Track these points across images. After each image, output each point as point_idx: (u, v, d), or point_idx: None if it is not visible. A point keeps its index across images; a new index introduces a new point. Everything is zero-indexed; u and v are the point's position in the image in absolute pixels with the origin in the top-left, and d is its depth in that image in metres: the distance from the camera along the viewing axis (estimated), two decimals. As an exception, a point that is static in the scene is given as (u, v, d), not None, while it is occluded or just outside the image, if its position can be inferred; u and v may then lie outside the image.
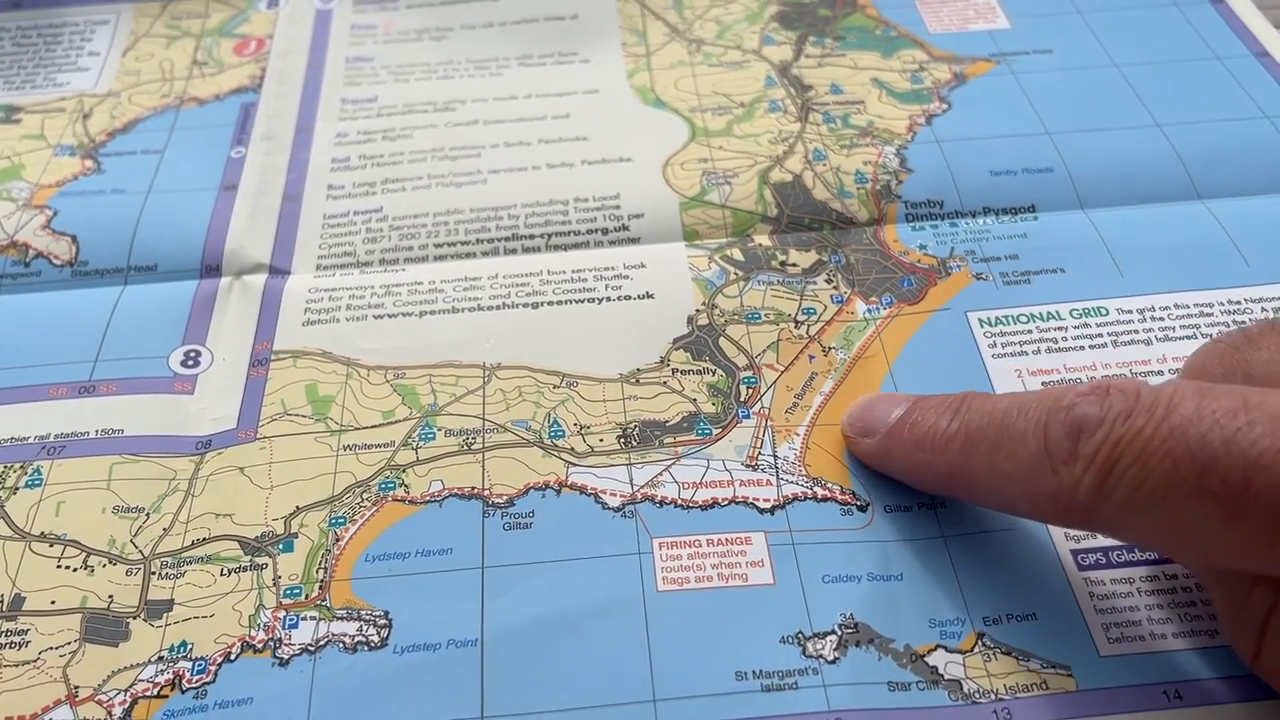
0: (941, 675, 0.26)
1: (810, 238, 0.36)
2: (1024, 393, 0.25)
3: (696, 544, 0.28)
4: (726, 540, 0.28)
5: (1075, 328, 0.33)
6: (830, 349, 0.33)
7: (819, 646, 0.26)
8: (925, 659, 0.26)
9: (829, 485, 0.30)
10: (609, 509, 0.29)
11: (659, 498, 0.29)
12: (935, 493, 0.29)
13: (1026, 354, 0.32)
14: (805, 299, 0.34)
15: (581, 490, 0.29)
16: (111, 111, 0.42)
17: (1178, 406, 0.21)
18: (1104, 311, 0.33)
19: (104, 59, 0.45)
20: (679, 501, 0.29)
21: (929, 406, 0.27)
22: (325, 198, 0.39)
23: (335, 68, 0.44)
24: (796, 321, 0.34)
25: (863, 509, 0.29)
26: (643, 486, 0.29)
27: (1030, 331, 0.33)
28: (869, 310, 0.34)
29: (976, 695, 0.25)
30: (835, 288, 0.35)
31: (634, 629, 0.26)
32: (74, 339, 0.34)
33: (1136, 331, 0.33)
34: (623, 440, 0.30)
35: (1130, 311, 0.33)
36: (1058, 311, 0.34)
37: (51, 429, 0.31)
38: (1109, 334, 0.33)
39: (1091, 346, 0.33)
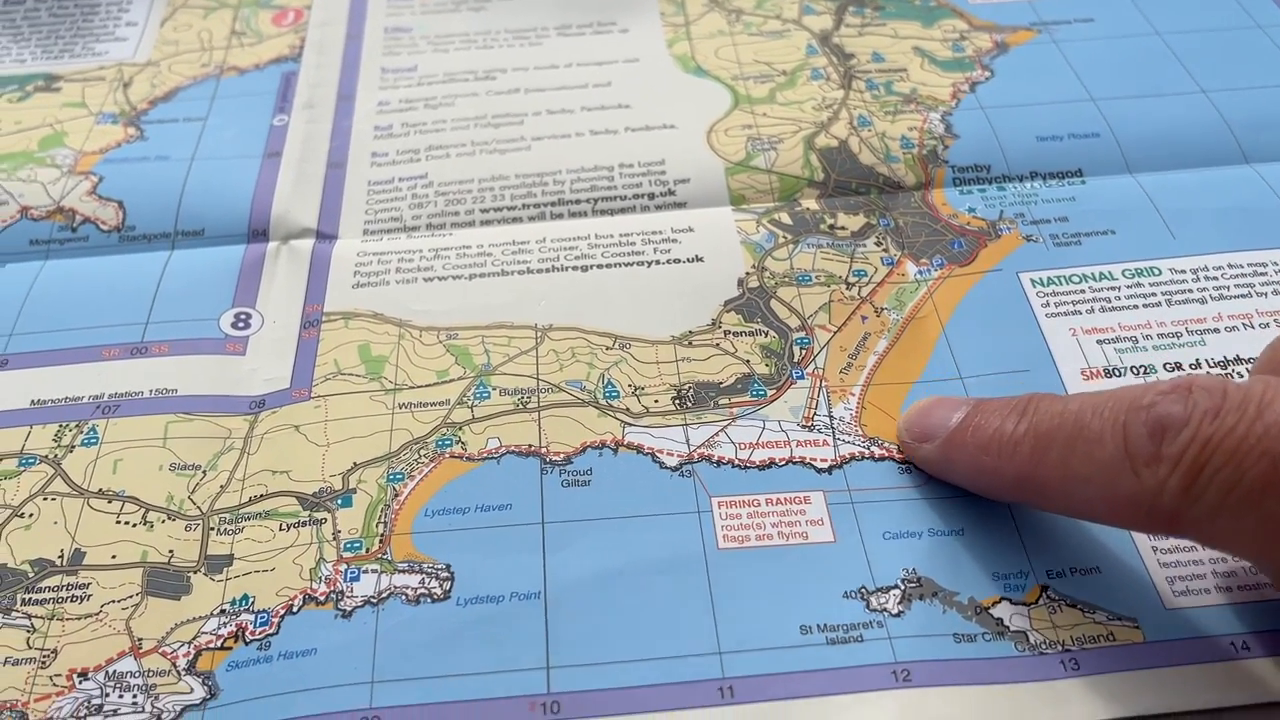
0: (1007, 627, 0.25)
1: (858, 201, 0.36)
2: (1097, 392, 0.24)
3: (755, 503, 0.28)
4: (785, 499, 0.28)
5: (1128, 287, 0.33)
6: (882, 310, 0.33)
7: (883, 600, 0.26)
8: (990, 611, 0.26)
9: (886, 445, 0.29)
10: (666, 468, 0.29)
11: (716, 458, 0.29)
12: (1003, 499, 0.27)
13: (1080, 313, 0.32)
14: (855, 261, 0.34)
15: (638, 450, 0.29)
16: (152, 80, 0.42)
17: (1271, 403, 0.21)
18: (1157, 271, 0.33)
19: (142, 29, 0.45)
20: (736, 461, 0.29)
21: (992, 409, 0.26)
22: (369, 164, 0.38)
23: (374, 37, 0.44)
24: (848, 283, 0.33)
25: (921, 466, 0.29)
26: (699, 447, 0.29)
27: (1083, 291, 0.33)
28: (920, 272, 0.34)
29: (1043, 646, 0.25)
30: (885, 250, 0.35)
31: (697, 585, 0.26)
32: (124, 302, 0.34)
33: (1190, 291, 0.33)
34: (678, 401, 0.30)
35: (1184, 271, 0.33)
36: (1110, 272, 0.33)
37: (105, 389, 0.31)
38: (1163, 293, 0.33)
39: (1145, 305, 0.32)
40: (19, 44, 0.45)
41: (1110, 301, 0.33)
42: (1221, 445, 0.21)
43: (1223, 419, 0.21)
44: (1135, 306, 0.32)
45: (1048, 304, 0.33)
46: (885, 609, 0.26)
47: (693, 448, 0.29)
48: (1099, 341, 0.32)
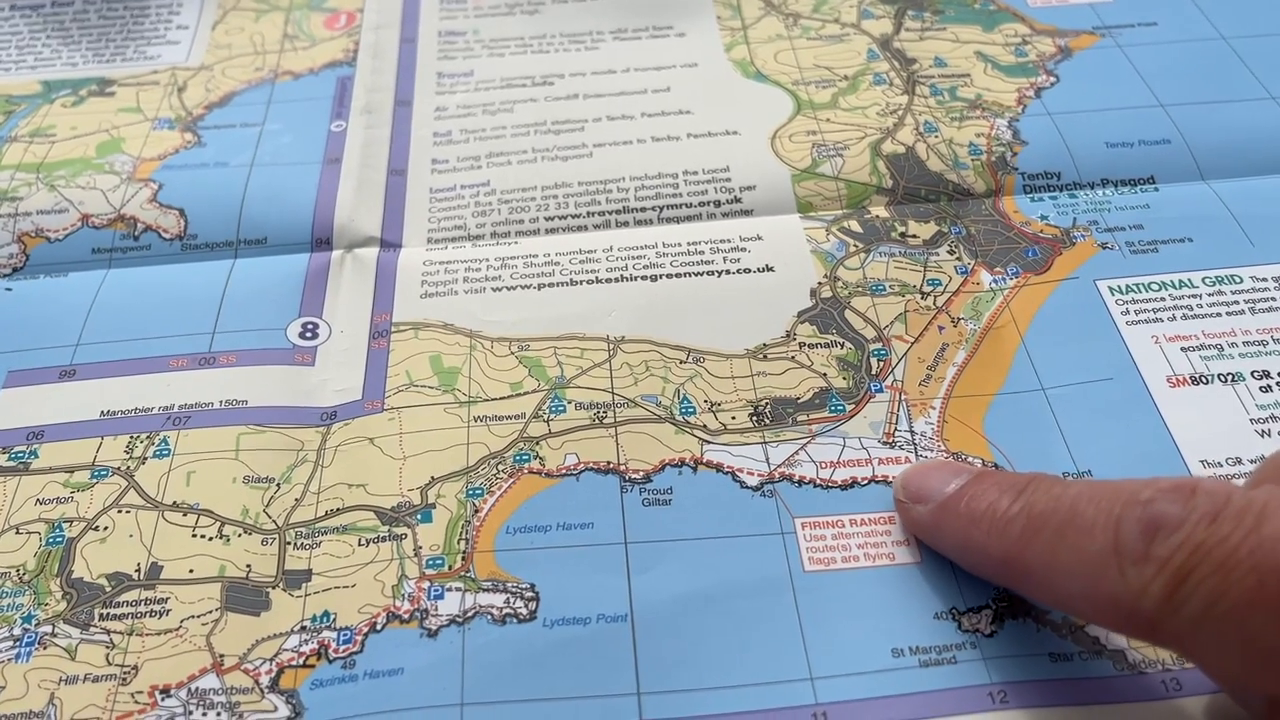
0: (1104, 645, 0.25)
1: (928, 209, 0.36)
2: (1100, 481, 0.23)
3: (839, 524, 0.28)
4: (870, 520, 0.28)
5: (1209, 295, 0.32)
6: (959, 319, 0.32)
7: (975, 621, 0.26)
8: (1085, 629, 0.25)
9: (970, 459, 0.29)
10: (747, 488, 0.28)
11: (797, 477, 0.29)
12: (987, 578, 0.26)
13: (1161, 320, 0.32)
14: (929, 270, 0.34)
15: (718, 468, 0.29)
16: (206, 85, 0.42)
17: (1271, 516, 0.19)
18: (1238, 279, 0.33)
19: (193, 32, 0.45)
20: (818, 481, 0.28)
21: (991, 481, 0.25)
22: (430, 171, 0.38)
23: (428, 41, 0.44)
24: (922, 293, 0.33)
25: (1006, 482, 0.28)
26: (779, 465, 0.29)
27: (1163, 299, 0.32)
28: (995, 280, 0.33)
29: (1143, 665, 0.25)
30: (958, 258, 0.34)
31: (784, 609, 0.26)
32: (190, 311, 0.33)
33: (1274, 299, 0.32)
34: (755, 418, 0.30)
35: (1265, 280, 0.33)
36: (1190, 279, 0.33)
37: (175, 400, 0.31)
38: (1245, 301, 0.32)
39: (1229, 313, 0.32)
40: (69, 47, 0.45)
41: (1192, 309, 0.32)
42: (1211, 554, 0.19)
43: (1218, 525, 0.20)
44: (1218, 314, 0.32)
45: (1128, 311, 0.32)
46: (978, 629, 0.25)
47: (773, 466, 0.29)
48: (1183, 349, 0.31)
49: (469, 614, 0.26)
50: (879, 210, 0.36)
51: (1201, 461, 0.29)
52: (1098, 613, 0.22)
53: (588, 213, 0.36)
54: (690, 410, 0.30)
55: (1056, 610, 0.25)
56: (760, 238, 0.35)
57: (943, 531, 0.26)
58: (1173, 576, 0.20)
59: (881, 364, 0.31)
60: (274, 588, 0.27)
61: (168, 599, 0.27)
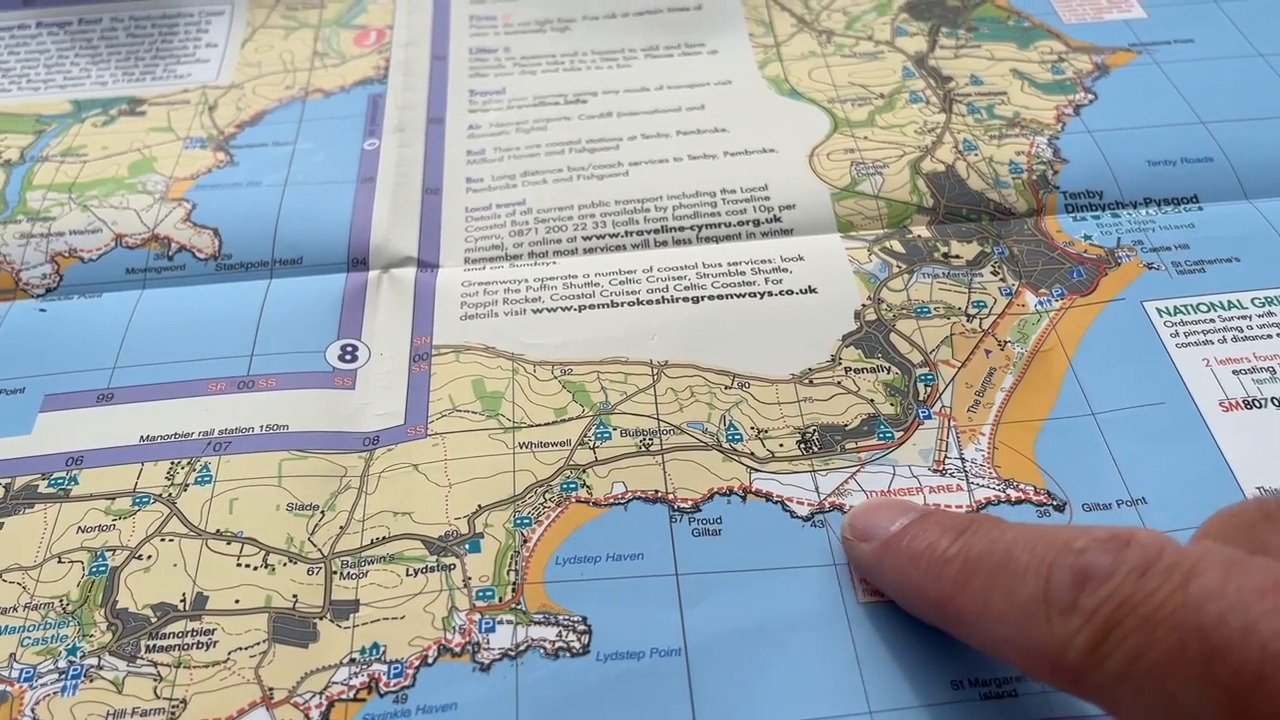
0: (1169, 684, 0.25)
1: (970, 229, 0.35)
2: (1041, 526, 0.23)
3: (893, 553, 0.27)
4: (922, 547, 0.27)
5: (1259, 316, 0.32)
6: (1006, 342, 0.32)
7: (1034, 653, 0.25)
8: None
9: (1022, 486, 0.29)
10: (798, 518, 0.28)
11: (848, 507, 0.28)
12: (925, 620, 0.25)
13: (1212, 343, 0.31)
14: (973, 291, 0.33)
15: (767, 498, 0.28)
16: (237, 103, 0.42)
17: (1200, 574, 0.19)
18: (1288, 302, 0.32)
19: (223, 50, 0.45)
20: (869, 510, 0.28)
21: (934, 521, 0.24)
22: (465, 190, 0.38)
23: (459, 59, 0.43)
24: (968, 315, 0.33)
25: (1060, 508, 0.28)
26: (830, 495, 0.28)
27: (1213, 320, 0.32)
28: (1040, 302, 0.33)
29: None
30: (1002, 279, 0.34)
31: (839, 642, 0.26)
32: (227, 333, 0.33)
33: (1328, 324, 0.32)
34: (803, 445, 0.30)
35: (1316, 304, 0.32)
36: (1239, 300, 0.32)
37: (215, 425, 0.31)
38: (1296, 325, 0.32)
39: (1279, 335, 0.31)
40: (98, 65, 0.44)
41: (1242, 330, 0.32)
42: (1137, 609, 0.19)
43: (1146, 580, 0.19)
44: (1269, 336, 0.31)
45: (1177, 334, 0.32)
46: (1038, 662, 0.25)
47: (823, 496, 0.28)
48: (1234, 372, 0.31)
49: (521, 648, 0.25)
50: (920, 230, 0.35)
51: (1258, 487, 0.28)
52: (1024, 660, 0.21)
53: (625, 232, 0.36)
54: (737, 437, 0.30)
55: (989, 657, 0.25)
56: (801, 258, 0.35)
57: (883, 570, 0.25)
58: (1098, 630, 0.19)
59: (929, 389, 0.31)
60: (321, 619, 0.26)
61: (214, 630, 0.26)
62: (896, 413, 0.30)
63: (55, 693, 0.25)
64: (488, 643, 0.26)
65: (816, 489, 0.29)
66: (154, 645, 0.26)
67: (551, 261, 0.35)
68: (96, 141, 0.40)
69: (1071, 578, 0.20)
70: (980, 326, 0.32)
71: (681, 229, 0.36)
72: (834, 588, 0.27)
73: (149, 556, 0.28)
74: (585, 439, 0.30)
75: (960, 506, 0.28)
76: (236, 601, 0.27)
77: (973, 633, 0.23)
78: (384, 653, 0.26)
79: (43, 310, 0.35)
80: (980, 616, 0.22)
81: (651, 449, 0.29)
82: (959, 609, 0.22)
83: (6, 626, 0.27)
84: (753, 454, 0.29)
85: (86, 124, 0.41)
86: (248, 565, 0.28)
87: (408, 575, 0.27)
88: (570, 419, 0.30)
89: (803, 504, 0.28)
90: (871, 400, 0.31)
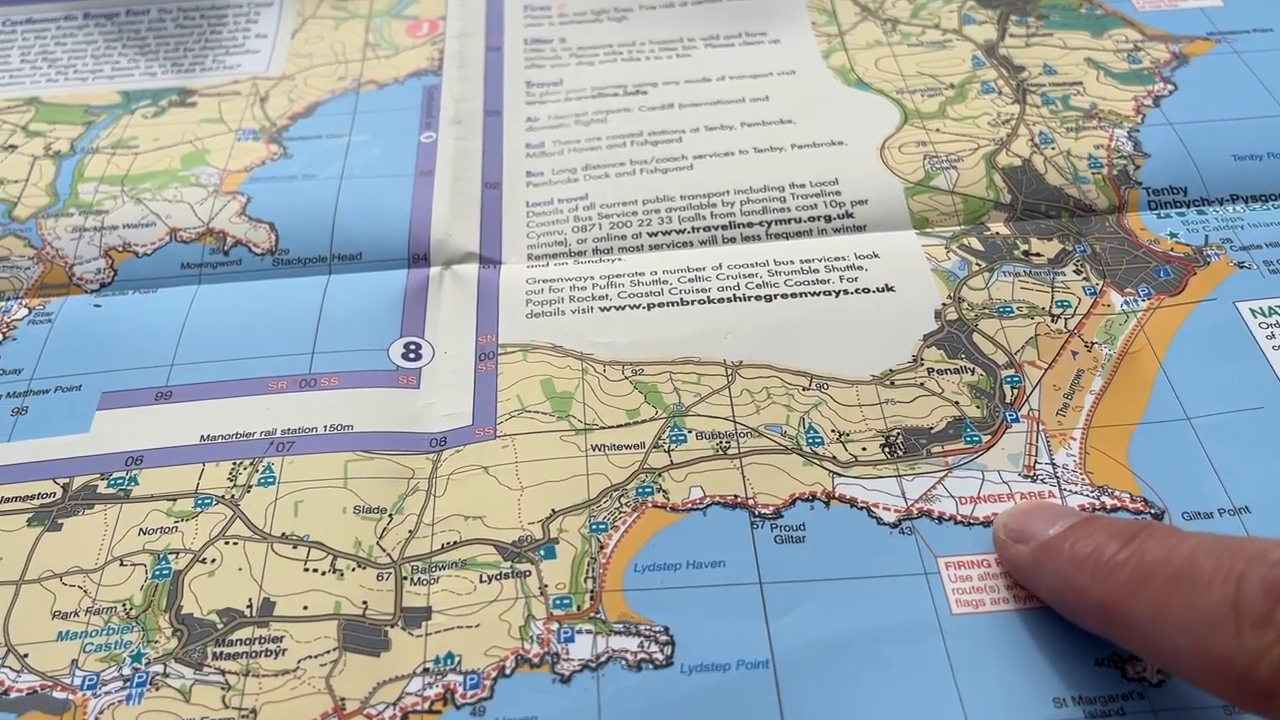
0: (1285, 704, 0.23)
1: (1050, 226, 0.34)
2: (1222, 535, 0.21)
3: (987, 564, 0.26)
4: (1016, 557, 0.26)
5: (1362, 321, 0.31)
6: (1093, 344, 0.31)
7: (1139, 668, 0.24)
8: (1262, 686, 0.24)
9: (1117, 493, 0.27)
10: (884, 524, 0.27)
11: (936, 513, 0.27)
12: (1081, 623, 0.24)
13: (1312, 348, 0.30)
14: (1057, 291, 0.32)
15: (852, 503, 0.27)
16: (289, 94, 0.41)
17: None
18: (1389, 304, 0.31)
19: (273, 41, 0.44)
20: (958, 518, 0.27)
21: (1099, 526, 0.24)
22: (525, 184, 0.37)
23: (514, 49, 0.42)
24: (1052, 315, 0.31)
25: (1158, 516, 0.27)
26: (916, 501, 0.27)
27: (1312, 325, 0.31)
28: (1126, 302, 0.32)
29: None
30: (1086, 278, 0.32)
31: (934, 655, 0.24)
32: (287, 330, 0.32)
33: None
34: (887, 449, 0.28)
35: None
36: (1338, 303, 0.31)
37: (278, 424, 0.30)
38: (1402, 330, 0.30)
39: (1383, 341, 0.30)
40: (147, 57, 0.44)
41: (1342, 335, 0.30)
42: None
43: None
44: (1371, 341, 0.30)
45: (1273, 335, 0.30)
46: (1144, 677, 0.24)
47: (910, 502, 0.27)
48: (1338, 377, 0.29)
49: (602, 659, 0.25)
50: (998, 227, 0.34)
51: (1367, 498, 0.27)
52: (1203, 673, 0.20)
53: (692, 228, 0.35)
54: (818, 440, 0.29)
55: (1157, 665, 0.24)
56: (877, 255, 0.33)
57: (1041, 571, 0.25)
58: None
59: (1016, 391, 0.30)
60: (393, 626, 0.26)
61: (283, 637, 0.26)
62: (983, 415, 0.29)
63: (120, 701, 0.25)
64: (567, 653, 0.25)
65: (903, 494, 0.27)
66: (221, 653, 0.25)
67: (617, 258, 0.34)
68: (147, 133, 0.39)
69: (1266, 589, 0.19)
70: (1065, 327, 0.31)
71: (750, 224, 0.35)
72: (926, 598, 0.25)
73: (213, 560, 0.27)
74: (660, 441, 0.29)
75: (1054, 515, 0.27)
76: (305, 608, 0.26)
77: (1141, 640, 0.22)
78: (459, 663, 0.25)
79: (98, 306, 0.34)
80: (1154, 622, 0.21)
81: (729, 452, 0.28)
82: (1127, 614, 0.22)
83: (68, 632, 0.26)
84: (834, 458, 0.28)
85: (136, 115, 0.40)
86: (315, 570, 0.27)
87: (481, 582, 0.26)
88: (643, 421, 0.29)
89: (889, 510, 0.27)
90: (956, 402, 0.29)
